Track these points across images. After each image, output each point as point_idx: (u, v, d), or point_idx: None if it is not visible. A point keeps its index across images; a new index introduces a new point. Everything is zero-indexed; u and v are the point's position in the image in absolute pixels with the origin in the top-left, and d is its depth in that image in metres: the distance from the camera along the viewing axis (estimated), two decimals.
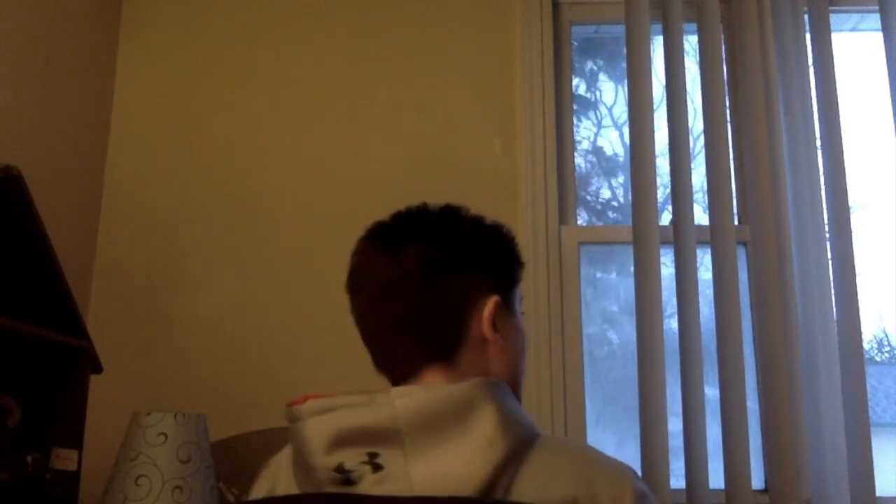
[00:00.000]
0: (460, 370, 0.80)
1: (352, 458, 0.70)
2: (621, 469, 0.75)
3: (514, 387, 0.85)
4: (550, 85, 1.88)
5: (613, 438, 1.81)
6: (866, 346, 1.84)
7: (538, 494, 0.70)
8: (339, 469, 0.70)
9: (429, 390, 0.73)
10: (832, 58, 1.83)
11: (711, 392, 1.68)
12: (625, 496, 0.71)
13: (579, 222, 1.94)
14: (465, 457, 0.69)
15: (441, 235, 0.82)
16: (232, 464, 1.61)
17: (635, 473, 0.76)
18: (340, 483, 0.70)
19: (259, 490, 0.82)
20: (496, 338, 0.81)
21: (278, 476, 0.80)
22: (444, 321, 0.80)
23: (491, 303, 0.81)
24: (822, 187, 1.77)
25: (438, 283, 0.80)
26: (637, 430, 1.65)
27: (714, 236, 1.74)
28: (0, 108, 1.46)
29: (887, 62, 1.84)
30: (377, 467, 0.69)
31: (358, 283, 0.84)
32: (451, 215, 0.86)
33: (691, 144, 1.83)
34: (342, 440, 0.71)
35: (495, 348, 0.82)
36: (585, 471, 0.73)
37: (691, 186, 1.78)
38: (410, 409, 0.71)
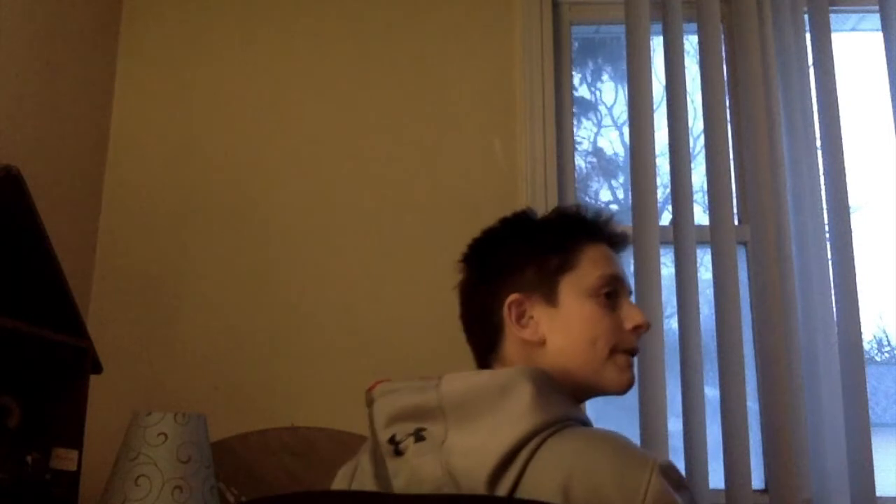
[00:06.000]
0: (507, 361, 0.91)
1: (402, 431, 0.80)
2: (643, 459, 0.71)
3: (568, 374, 0.87)
4: (550, 85, 1.87)
5: None
6: (866, 346, 1.84)
7: (544, 477, 0.71)
8: (392, 440, 0.80)
9: (476, 374, 0.82)
10: (832, 58, 1.83)
11: (711, 392, 1.68)
12: (639, 486, 0.68)
13: None
14: (495, 429, 0.75)
15: (477, 258, 0.98)
16: (232, 464, 1.61)
17: (664, 465, 0.71)
18: (392, 453, 0.80)
19: (345, 469, 0.90)
20: (524, 331, 0.90)
21: (361, 458, 0.88)
22: (483, 321, 0.94)
23: (508, 301, 0.90)
24: (822, 187, 1.77)
25: (476, 292, 0.96)
26: (637, 430, 1.64)
27: (714, 236, 1.74)
28: (0, 108, 1.46)
29: (887, 62, 1.84)
30: (420, 438, 0.78)
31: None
32: (492, 234, 1.01)
33: (691, 144, 1.83)
34: (398, 416, 0.81)
35: (530, 340, 0.89)
36: (591, 458, 0.71)
37: (691, 186, 1.78)
38: (454, 390, 0.79)
